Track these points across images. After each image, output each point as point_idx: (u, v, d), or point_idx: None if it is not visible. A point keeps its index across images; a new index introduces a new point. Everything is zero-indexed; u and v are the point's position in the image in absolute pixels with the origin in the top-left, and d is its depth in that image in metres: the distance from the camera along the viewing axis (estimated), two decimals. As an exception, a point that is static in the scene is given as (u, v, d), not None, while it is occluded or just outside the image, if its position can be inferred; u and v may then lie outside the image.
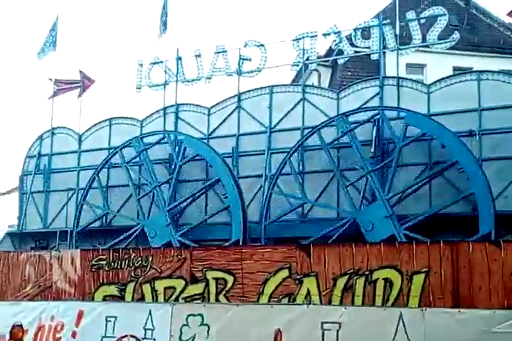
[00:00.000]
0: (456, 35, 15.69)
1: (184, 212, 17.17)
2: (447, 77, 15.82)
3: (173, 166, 17.32)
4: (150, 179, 17.03)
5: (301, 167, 16.10)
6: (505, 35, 23.58)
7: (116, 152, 17.67)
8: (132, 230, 16.72)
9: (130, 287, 12.77)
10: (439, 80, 15.77)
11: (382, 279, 10.73)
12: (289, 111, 16.92)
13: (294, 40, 17.18)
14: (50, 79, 20.47)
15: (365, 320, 10.03)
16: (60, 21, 20.70)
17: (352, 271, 10.91)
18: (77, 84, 20.22)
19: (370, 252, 10.94)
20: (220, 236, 15.88)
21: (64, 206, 19.26)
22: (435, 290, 10.26)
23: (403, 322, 9.65)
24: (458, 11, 23.37)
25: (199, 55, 18.15)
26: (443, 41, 15.82)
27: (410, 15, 16.13)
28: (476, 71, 16.01)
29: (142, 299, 12.52)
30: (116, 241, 16.74)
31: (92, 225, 17.89)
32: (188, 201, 16.83)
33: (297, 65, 17.44)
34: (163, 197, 16.73)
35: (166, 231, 16.31)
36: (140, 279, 12.71)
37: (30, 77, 59.36)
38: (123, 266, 13.07)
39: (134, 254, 13.00)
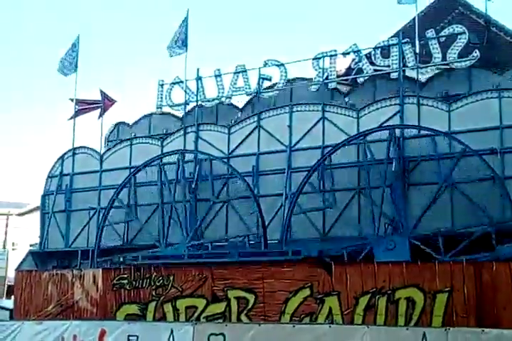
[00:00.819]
0: (476, 54, 15.69)
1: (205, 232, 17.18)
2: (468, 95, 15.78)
3: (193, 185, 17.38)
4: (171, 198, 17.11)
5: (321, 185, 16.05)
6: (525, 53, 23.48)
7: (139, 170, 17.76)
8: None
9: (151, 306, 12.81)
10: (460, 98, 15.74)
11: (405, 298, 10.67)
12: (308, 130, 16.92)
13: (313, 59, 17.26)
14: (72, 100, 20.64)
15: (388, 340, 9.95)
16: (81, 40, 20.95)
17: (374, 289, 10.86)
18: (98, 104, 20.37)
19: (393, 271, 10.88)
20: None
21: (85, 225, 19.35)
22: (458, 309, 10.19)
23: (427, 341, 9.58)
24: (477, 29, 23.31)
25: (219, 75, 18.27)
26: (463, 59, 15.81)
27: (430, 33, 16.16)
28: (497, 89, 15.97)
29: (164, 318, 12.54)
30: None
31: (113, 244, 17.96)
32: (208, 220, 16.85)
33: (316, 84, 17.50)
34: (182, 215, 16.82)
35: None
36: (161, 298, 12.72)
37: (52, 96, 59.94)
38: (144, 285, 13.09)
39: (155, 273, 13.02)
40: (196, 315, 12.28)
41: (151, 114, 20.27)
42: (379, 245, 14.44)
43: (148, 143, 19.24)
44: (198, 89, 18.59)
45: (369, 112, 16.50)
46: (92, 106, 20.52)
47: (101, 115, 20.31)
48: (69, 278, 14.00)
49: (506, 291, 9.85)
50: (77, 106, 20.57)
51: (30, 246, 22.42)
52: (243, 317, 11.82)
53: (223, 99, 18.38)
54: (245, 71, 18.01)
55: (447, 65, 16.32)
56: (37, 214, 21.59)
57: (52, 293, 14.12)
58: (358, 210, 15.65)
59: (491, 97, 15.30)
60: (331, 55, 17.17)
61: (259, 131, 17.62)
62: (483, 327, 9.56)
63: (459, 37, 15.85)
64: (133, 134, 19.77)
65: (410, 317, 10.50)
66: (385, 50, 16.71)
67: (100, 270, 14.07)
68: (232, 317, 11.91)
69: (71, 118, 20.57)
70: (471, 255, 12.38)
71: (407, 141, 15.45)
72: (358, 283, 11.07)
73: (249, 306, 11.90)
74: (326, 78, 17.36)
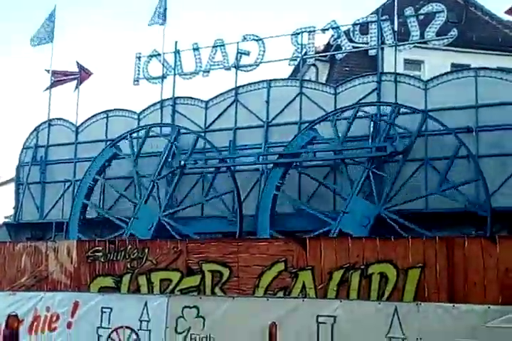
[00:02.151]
0: (454, 32, 15.73)
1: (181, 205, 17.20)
2: (445, 74, 15.86)
3: (170, 159, 17.37)
4: (148, 172, 17.11)
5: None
6: (503, 33, 23.60)
7: (116, 143, 17.71)
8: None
9: (126, 279, 12.76)
10: (437, 76, 15.83)
11: (378, 274, 10.77)
12: (286, 106, 16.94)
13: (292, 35, 17.20)
14: (47, 71, 20.45)
15: (360, 314, 10.07)
16: (58, 11, 20.71)
17: (348, 265, 10.94)
18: (75, 76, 20.19)
19: (366, 246, 10.97)
20: (216, 229, 16.00)
21: (60, 197, 19.28)
22: (430, 285, 10.31)
23: (398, 316, 9.69)
24: (456, 8, 23.36)
25: (197, 49, 18.15)
26: (441, 37, 15.86)
27: (409, 11, 16.16)
28: (474, 68, 16.07)
29: (138, 291, 12.52)
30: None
31: (89, 216, 17.95)
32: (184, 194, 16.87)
33: (295, 60, 17.47)
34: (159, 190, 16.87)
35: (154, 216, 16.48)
36: (136, 271, 12.72)
37: (27, 67, 59.20)
38: (119, 257, 13.07)
39: (130, 246, 13.00)
40: (171, 288, 12.27)
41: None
42: (352, 220, 14.64)
43: (125, 115, 19.15)
44: (175, 62, 18.47)
45: (346, 89, 16.54)
46: (68, 77, 20.33)
47: (77, 87, 20.15)
48: (43, 249, 13.88)
49: (477, 267, 9.98)
50: (52, 78, 20.38)
51: (5, 217, 22.35)
52: (217, 291, 11.85)
53: (201, 73, 18.27)
54: (223, 45, 17.90)
55: (425, 42, 16.38)
56: (12, 186, 21.46)
57: (26, 264, 14.02)
58: (334, 186, 15.78)
59: (468, 76, 15.40)
60: (309, 31, 17.12)
61: (236, 105, 17.60)
62: (454, 302, 9.71)
63: (437, 15, 15.85)
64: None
65: (383, 292, 10.61)
66: (363, 27, 16.70)
67: (75, 242, 14.02)
68: (207, 291, 11.93)
69: (46, 89, 20.41)
70: (444, 231, 12.61)
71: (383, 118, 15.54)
72: (332, 258, 11.13)
73: (224, 280, 11.91)
74: (305, 54, 17.33)
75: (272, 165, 15.98)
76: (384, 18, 16.36)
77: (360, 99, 16.02)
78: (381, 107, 15.60)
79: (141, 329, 11.50)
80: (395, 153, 14.73)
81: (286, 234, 14.53)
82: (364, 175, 14.85)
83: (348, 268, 10.92)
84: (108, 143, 18.27)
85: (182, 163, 16.48)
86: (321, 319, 10.21)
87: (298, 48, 17.18)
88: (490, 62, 18.26)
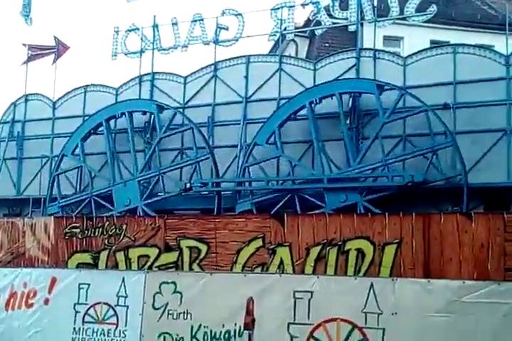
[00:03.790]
0: (434, 9, 15.70)
1: (159, 182, 17.13)
2: (423, 50, 15.86)
3: (148, 135, 17.31)
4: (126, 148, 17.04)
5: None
6: (481, 10, 23.58)
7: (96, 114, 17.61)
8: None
9: (104, 255, 12.76)
10: (416, 53, 15.83)
11: (355, 249, 10.84)
12: (265, 82, 16.87)
13: (271, 10, 17.10)
14: (24, 45, 20.19)
15: (337, 289, 10.11)
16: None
17: (325, 241, 11.00)
18: (52, 50, 19.94)
19: (344, 223, 11.02)
20: (195, 206, 15.99)
21: (37, 173, 19.15)
22: (406, 261, 10.40)
23: (374, 291, 9.76)
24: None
25: (176, 23, 17.99)
26: (420, 14, 15.83)
27: (388, -13, 16.08)
28: (452, 44, 16.07)
29: (116, 267, 12.52)
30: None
31: (65, 192, 17.87)
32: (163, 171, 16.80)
33: (275, 35, 17.41)
34: (138, 166, 16.78)
35: (135, 198, 16.41)
36: (114, 247, 12.70)
37: (2, 41, 58.28)
38: (97, 234, 13.04)
39: (107, 222, 12.97)
40: (149, 264, 12.28)
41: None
42: (330, 197, 14.69)
43: (103, 91, 18.99)
44: (154, 36, 18.29)
45: (326, 65, 16.49)
46: (45, 51, 20.09)
47: (54, 61, 19.89)
48: (20, 226, 13.83)
49: (453, 243, 10.06)
50: (29, 52, 20.13)
51: (-19, 193, 22.12)
52: (195, 267, 11.88)
53: (179, 48, 18.11)
54: (202, 20, 17.75)
55: (404, 19, 16.34)
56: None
57: (2, 241, 13.96)
58: (312, 162, 15.78)
59: (446, 53, 15.41)
60: (289, 6, 17.01)
61: (215, 81, 17.50)
62: (430, 278, 9.80)
63: (417, -9, 15.79)
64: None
65: (359, 268, 10.69)
66: (343, 3, 16.61)
67: (52, 218, 13.96)
68: (185, 267, 11.96)
69: (23, 63, 20.16)
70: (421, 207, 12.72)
71: (363, 95, 15.52)
72: (310, 234, 11.18)
73: (202, 256, 11.94)
74: (284, 29, 17.24)
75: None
76: (364, -7, 16.25)
77: (340, 76, 15.97)
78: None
79: (118, 305, 11.49)
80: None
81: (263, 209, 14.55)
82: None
83: (326, 244, 10.99)
84: (86, 118, 18.12)
85: (188, 185, 16.18)
86: (298, 294, 10.24)
87: (277, 23, 17.08)
88: (469, 39, 18.23)
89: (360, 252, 10.79)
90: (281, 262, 11.30)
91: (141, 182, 16.72)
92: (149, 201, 16.42)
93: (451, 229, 10.17)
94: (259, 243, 11.52)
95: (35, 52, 20.07)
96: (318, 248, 11.03)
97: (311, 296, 10.16)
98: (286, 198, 15.10)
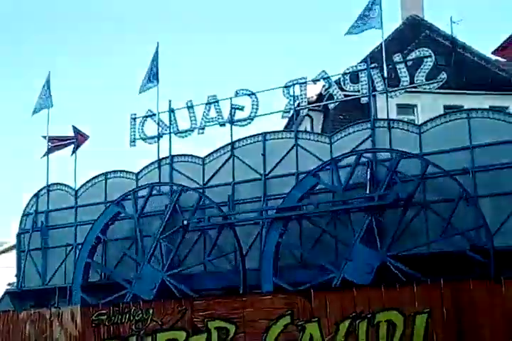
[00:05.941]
0: (444, 76, 15.82)
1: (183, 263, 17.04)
2: (437, 117, 15.94)
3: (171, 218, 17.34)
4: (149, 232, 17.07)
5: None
6: (492, 73, 23.84)
7: (119, 201, 17.69)
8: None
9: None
10: (430, 120, 15.90)
11: (385, 321, 10.65)
12: (282, 158, 16.97)
13: (284, 88, 17.33)
14: (44, 137, 20.56)
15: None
16: (52, 78, 20.96)
17: (354, 314, 10.82)
18: (71, 141, 20.24)
19: (371, 295, 10.86)
20: (220, 284, 15.85)
21: (62, 262, 19.16)
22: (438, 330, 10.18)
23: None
24: (444, 51, 23.65)
25: (191, 106, 18.25)
26: (431, 82, 15.97)
27: (397, 58, 16.32)
28: (466, 109, 16.16)
29: (145, 353, 12.38)
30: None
31: (91, 280, 17.80)
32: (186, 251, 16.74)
33: (288, 112, 17.57)
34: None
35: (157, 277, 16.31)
36: (141, 332, 12.58)
37: (24, 135, 59.45)
38: (123, 320, 12.95)
39: (134, 308, 12.90)
40: (178, 347, 12.15)
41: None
42: (355, 268, 14.45)
43: (123, 176, 19.18)
44: (170, 120, 18.54)
45: (341, 137, 16.60)
46: (64, 142, 20.41)
47: (74, 151, 20.11)
48: (47, 316, 13.79)
49: (483, 309, 9.87)
50: (49, 144, 20.45)
51: (8, 284, 22.17)
52: (225, 348, 11.73)
53: (196, 131, 18.35)
54: (217, 101, 18.02)
55: (415, 87, 16.50)
56: (13, 253, 21.36)
57: (30, 332, 13.91)
58: (335, 236, 15.65)
59: (460, 118, 15.48)
60: (301, 83, 17.26)
61: (233, 160, 17.64)
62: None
63: (425, 60, 15.97)
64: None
65: (391, 340, 10.47)
66: (354, 76, 16.85)
67: (78, 307, 13.90)
68: (214, 349, 11.81)
69: (44, 155, 20.44)
70: (448, 276, 12.46)
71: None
72: (338, 309, 11.02)
73: (231, 336, 11.79)
74: (298, 105, 17.46)
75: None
76: (373, 65, 16.50)
77: (356, 147, 16.04)
78: (377, 153, 15.62)
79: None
80: (397, 201, 14.60)
81: (290, 285, 14.32)
82: (366, 222, 14.74)
83: (355, 317, 10.81)
84: (108, 205, 18.25)
85: (185, 222, 16.32)
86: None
87: (291, 100, 17.30)
88: (482, 103, 18.36)
89: (391, 323, 10.59)
90: (311, 338, 11.10)
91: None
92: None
93: (480, 295, 9.99)
94: (287, 320, 11.36)
95: (55, 143, 20.38)
96: (348, 322, 10.85)
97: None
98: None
